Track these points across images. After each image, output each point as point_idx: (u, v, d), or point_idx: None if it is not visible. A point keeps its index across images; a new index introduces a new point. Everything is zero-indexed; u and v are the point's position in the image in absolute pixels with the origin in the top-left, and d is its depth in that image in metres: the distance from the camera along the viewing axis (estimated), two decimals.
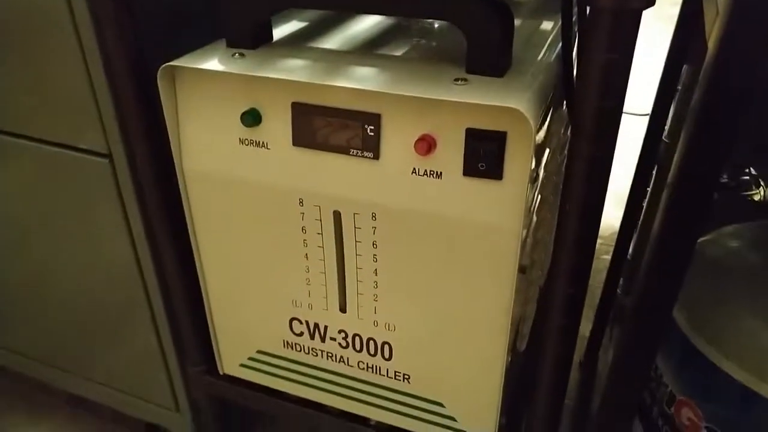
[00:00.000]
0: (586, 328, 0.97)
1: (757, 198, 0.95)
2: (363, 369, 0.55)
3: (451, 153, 0.43)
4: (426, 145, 0.43)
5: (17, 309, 0.80)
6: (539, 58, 0.49)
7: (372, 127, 0.44)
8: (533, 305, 0.63)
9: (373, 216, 0.47)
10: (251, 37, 0.48)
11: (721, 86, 0.33)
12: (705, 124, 0.35)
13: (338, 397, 0.58)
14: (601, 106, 0.36)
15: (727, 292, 0.62)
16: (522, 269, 0.48)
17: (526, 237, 0.46)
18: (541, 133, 0.44)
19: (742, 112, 0.33)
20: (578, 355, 0.98)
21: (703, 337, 0.58)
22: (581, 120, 0.37)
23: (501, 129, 0.41)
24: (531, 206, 0.46)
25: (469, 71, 0.43)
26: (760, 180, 0.96)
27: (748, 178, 0.96)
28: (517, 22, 0.57)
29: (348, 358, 0.55)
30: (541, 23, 0.58)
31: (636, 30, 0.34)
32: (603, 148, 0.37)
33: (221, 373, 0.62)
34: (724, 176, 0.97)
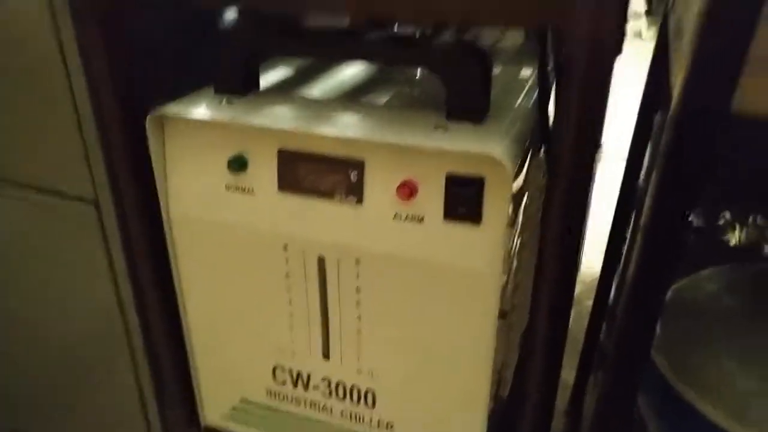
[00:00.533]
0: (570, 375, 0.97)
1: (733, 242, 0.97)
2: (347, 418, 0.54)
3: (432, 198, 0.44)
4: (408, 190, 0.44)
5: None
6: (517, 104, 0.51)
7: (356, 173, 0.45)
8: (516, 350, 0.63)
9: (357, 261, 0.47)
10: (239, 84, 0.49)
11: (686, 133, 0.35)
12: (672, 170, 0.36)
13: None
14: (576, 151, 0.38)
15: (705, 335, 0.63)
16: (503, 314, 0.49)
17: (507, 281, 0.47)
18: (520, 179, 0.46)
19: (707, 159, 0.35)
20: (564, 403, 0.97)
21: (682, 379, 0.58)
22: (557, 165, 0.39)
23: (479, 174, 0.42)
24: (511, 250, 0.47)
25: (449, 118, 0.44)
26: (736, 224, 0.98)
27: (723, 222, 0.99)
28: (496, 69, 0.59)
29: (332, 408, 0.55)
30: (520, 70, 0.60)
31: (608, 77, 0.36)
32: (579, 191, 0.39)
33: (203, 424, 0.61)
34: (700, 221, 0.99)
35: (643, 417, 0.63)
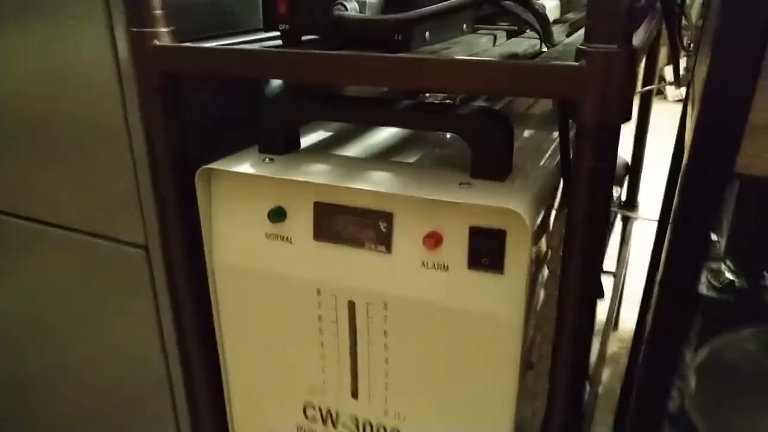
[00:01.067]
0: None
1: None
2: None
3: (456, 248, 0.47)
4: (433, 240, 0.47)
5: (39, 398, 0.83)
6: (540, 164, 0.54)
7: (385, 224, 0.49)
8: (543, 400, 0.64)
9: (385, 306, 0.50)
10: (281, 144, 0.54)
11: (692, 191, 0.38)
12: (682, 224, 0.39)
13: None
14: (590, 206, 0.41)
15: (745, 397, 0.62)
16: (530, 365, 0.51)
17: (531, 331, 0.49)
18: (542, 232, 0.48)
19: (711, 216, 0.38)
20: None
21: None
22: (574, 218, 0.41)
23: (501, 227, 0.45)
24: (535, 300, 0.49)
25: (474, 176, 0.48)
26: None
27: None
28: (527, 132, 0.63)
29: None
30: (549, 134, 0.64)
31: (616, 141, 0.39)
32: (593, 242, 0.41)
33: None
34: (743, 281, 0.99)
35: None
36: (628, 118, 0.39)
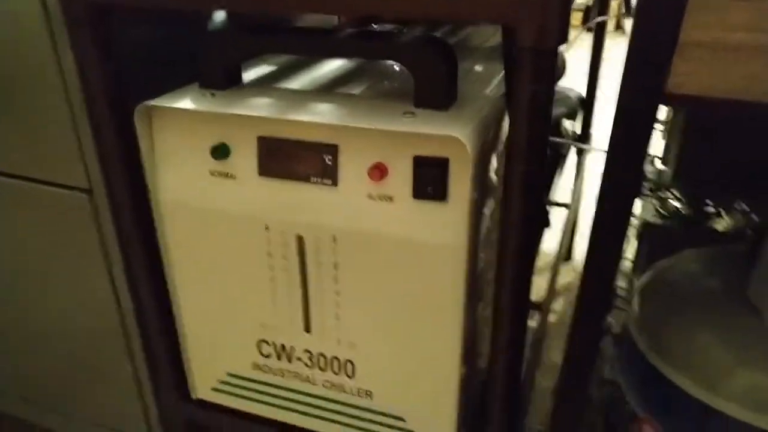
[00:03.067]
0: (560, 357, 1.00)
1: (720, 228, 1.00)
2: (328, 387, 0.58)
3: (401, 179, 0.47)
4: (379, 172, 0.47)
5: None
6: (485, 94, 0.54)
7: (330, 157, 0.48)
8: (489, 324, 0.66)
9: (334, 239, 0.51)
10: (223, 79, 0.52)
11: (628, 109, 0.38)
12: (616, 146, 0.40)
13: (306, 417, 0.60)
14: (529, 129, 0.41)
15: (684, 313, 0.65)
16: (475, 289, 0.52)
17: (475, 257, 0.50)
18: (487, 161, 0.49)
19: (645, 137, 0.38)
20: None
21: (662, 356, 0.61)
22: (514, 141, 0.42)
23: (444, 155, 0.45)
24: (481, 229, 0.50)
25: (417, 106, 0.48)
26: (721, 211, 1.01)
27: (710, 210, 1.02)
28: (475, 65, 0.62)
29: (314, 378, 0.58)
30: (499, 67, 0.63)
31: (554, 63, 0.40)
32: (533, 165, 0.42)
33: (194, 397, 0.65)
34: (687, 208, 1.02)
35: (625, 394, 0.66)
36: (564, 40, 0.39)
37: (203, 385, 0.64)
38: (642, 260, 1.04)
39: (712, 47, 0.34)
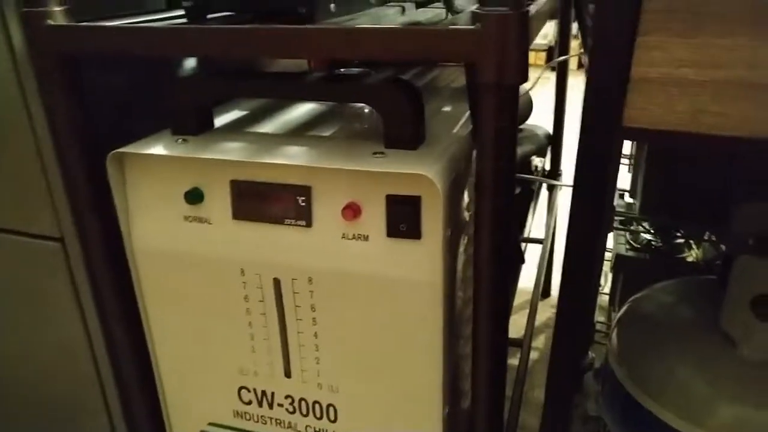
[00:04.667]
0: (542, 394, 1.00)
1: (690, 259, 1.02)
2: None
3: (375, 218, 0.48)
4: (352, 212, 0.48)
5: None
6: (453, 133, 0.55)
7: (303, 199, 0.49)
8: (470, 362, 0.66)
9: (310, 280, 0.51)
10: (194, 124, 0.53)
11: (588, 143, 0.39)
12: (581, 181, 0.41)
13: None
14: (495, 163, 0.42)
15: (662, 345, 0.66)
16: (453, 326, 0.52)
17: (453, 294, 0.50)
18: (458, 198, 0.50)
19: (608, 167, 0.40)
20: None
21: (643, 390, 0.61)
22: (481, 176, 0.43)
23: (415, 194, 0.46)
24: (456, 263, 0.51)
25: (387, 146, 0.49)
26: (691, 242, 1.03)
27: (681, 241, 1.04)
28: (441, 105, 0.64)
29: (296, 424, 0.57)
30: (464, 106, 0.65)
31: (515, 99, 0.41)
32: (500, 199, 0.43)
33: None
34: (659, 241, 1.04)
35: (610, 429, 0.66)
36: (525, 79, 0.40)
37: None
38: (618, 293, 1.06)
39: (660, 82, 0.36)
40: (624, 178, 1.06)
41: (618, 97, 0.37)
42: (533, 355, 1.28)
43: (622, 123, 0.38)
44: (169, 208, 0.52)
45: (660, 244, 1.05)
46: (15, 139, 0.56)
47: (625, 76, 0.36)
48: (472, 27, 0.38)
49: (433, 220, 0.46)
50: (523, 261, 0.74)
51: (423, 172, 0.44)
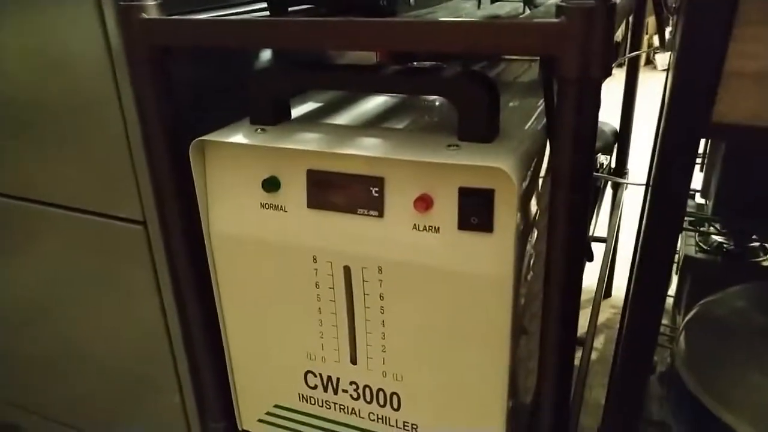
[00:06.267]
0: (601, 394, 0.98)
1: (765, 263, 0.98)
2: (373, 420, 0.58)
3: (447, 210, 0.48)
4: (424, 203, 0.48)
5: (42, 371, 0.84)
6: (527, 127, 0.55)
7: (376, 189, 0.50)
8: (536, 358, 0.66)
9: (379, 269, 0.51)
10: (272, 115, 0.55)
11: (673, 139, 0.39)
12: (662, 178, 0.40)
13: None
14: (573, 159, 0.42)
15: (734, 351, 0.63)
16: (521, 323, 0.52)
17: (521, 289, 0.50)
18: (531, 192, 0.50)
19: (691, 165, 0.39)
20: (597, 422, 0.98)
21: (713, 396, 0.59)
22: (558, 172, 0.43)
23: (489, 187, 0.46)
24: (525, 259, 0.50)
25: (461, 139, 0.49)
26: (766, 245, 0.99)
27: (756, 244, 1.00)
28: (513, 99, 0.64)
29: (359, 410, 0.58)
30: (537, 100, 0.65)
31: (597, 95, 0.40)
32: (577, 195, 0.43)
33: (240, 428, 0.65)
34: (732, 244, 1.01)
35: (670, 430, 0.64)
36: (608, 74, 0.40)
37: (250, 416, 0.64)
38: (684, 296, 1.02)
39: (757, 76, 0.34)
40: (695, 178, 1.02)
41: (708, 91, 0.36)
42: (592, 355, 1.26)
43: (710, 119, 0.37)
44: (247, 195, 0.54)
45: (732, 247, 1.01)
46: (106, 126, 0.60)
47: (719, 69, 0.35)
48: (556, 20, 0.38)
49: (506, 213, 0.46)
50: (591, 258, 0.73)
51: (499, 165, 0.44)
